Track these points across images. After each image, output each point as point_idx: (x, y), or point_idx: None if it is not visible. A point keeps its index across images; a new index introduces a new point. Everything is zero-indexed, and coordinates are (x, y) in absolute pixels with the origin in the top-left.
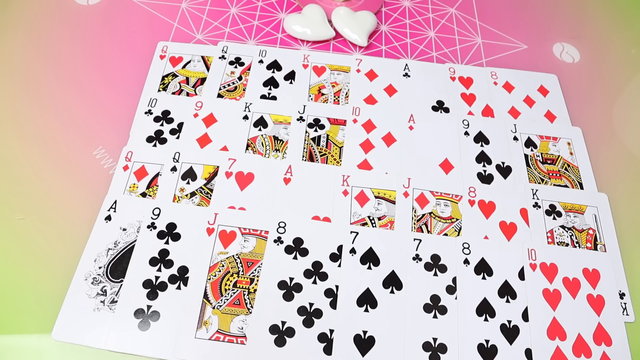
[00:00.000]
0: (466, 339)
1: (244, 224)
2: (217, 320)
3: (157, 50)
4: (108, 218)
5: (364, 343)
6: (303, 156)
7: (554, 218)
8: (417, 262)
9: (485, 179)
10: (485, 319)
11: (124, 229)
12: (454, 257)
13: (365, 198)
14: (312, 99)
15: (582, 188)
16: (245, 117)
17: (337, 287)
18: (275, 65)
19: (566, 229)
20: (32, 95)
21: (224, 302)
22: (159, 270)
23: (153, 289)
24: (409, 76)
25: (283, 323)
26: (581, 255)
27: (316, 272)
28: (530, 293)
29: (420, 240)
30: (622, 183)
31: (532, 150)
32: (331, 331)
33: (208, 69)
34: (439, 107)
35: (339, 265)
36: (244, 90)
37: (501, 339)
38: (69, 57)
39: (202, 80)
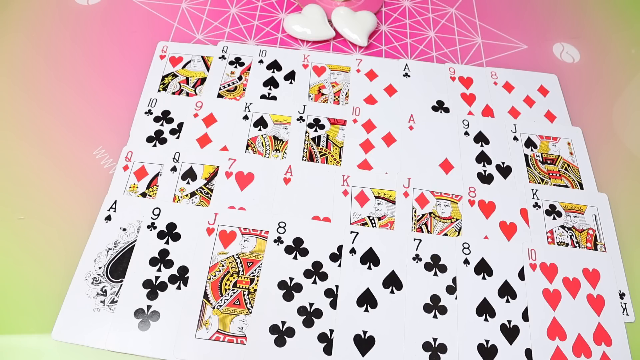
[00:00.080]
0: (466, 339)
1: (244, 224)
2: (217, 320)
3: (157, 50)
4: (108, 218)
5: (364, 343)
6: (303, 156)
7: (554, 218)
8: (417, 262)
9: (485, 179)
10: (485, 319)
11: (124, 229)
12: (454, 257)
13: (365, 198)
14: (312, 99)
15: (582, 188)
16: (245, 117)
17: (337, 287)
18: (275, 65)
19: (566, 229)
20: (32, 95)
21: (224, 302)
22: (159, 270)
23: (153, 289)
24: (409, 76)
25: (283, 323)
26: (581, 255)
27: (316, 272)
28: (530, 293)
29: (420, 240)
30: (622, 183)
31: (532, 150)
32: (331, 331)
33: (208, 69)
34: (439, 107)
35: (339, 265)
36: (244, 90)
37: (501, 339)
38: (69, 57)
39: (202, 80)
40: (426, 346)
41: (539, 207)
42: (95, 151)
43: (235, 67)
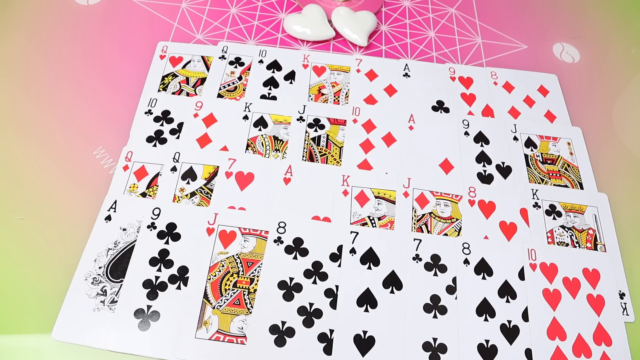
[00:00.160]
0: (466, 339)
1: (244, 224)
2: (217, 320)
3: (157, 50)
4: (108, 218)
5: (364, 343)
6: (303, 156)
7: (554, 218)
8: (417, 262)
9: (485, 179)
10: (485, 319)
11: (124, 229)
12: (454, 257)
13: (365, 198)
14: (312, 99)
15: (582, 188)
16: (245, 117)
17: (337, 287)
18: (275, 65)
19: (566, 229)
20: (32, 95)
21: (224, 302)
22: (159, 270)
23: (153, 289)
24: (409, 76)
25: (283, 323)
26: (581, 255)
27: (316, 272)
28: (530, 293)
29: (420, 240)
30: (622, 183)
31: (532, 150)
32: (331, 331)
33: (208, 69)
34: (439, 107)
35: (339, 265)
36: (244, 90)
37: (501, 339)
38: (69, 57)
39: (202, 80)
40: (426, 346)
41: (539, 207)
42: (95, 151)
43: (235, 67)
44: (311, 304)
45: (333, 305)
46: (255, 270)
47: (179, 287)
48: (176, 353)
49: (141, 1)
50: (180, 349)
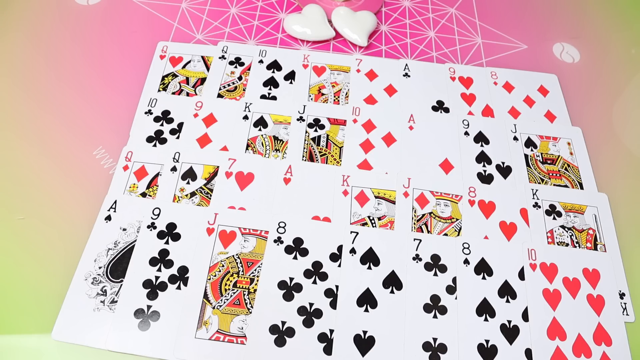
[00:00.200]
0: (466, 339)
1: (244, 224)
2: (217, 320)
3: (157, 50)
4: (108, 218)
5: (364, 343)
6: (303, 156)
7: (554, 218)
8: (417, 262)
9: (485, 179)
10: (485, 319)
11: (124, 229)
12: (454, 257)
13: (365, 198)
14: (312, 99)
15: (582, 188)
16: (245, 117)
17: (337, 287)
18: (275, 65)
19: (566, 229)
20: (32, 95)
21: (224, 302)
22: (159, 270)
23: (153, 289)
24: (409, 76)
25: (283, 323)
26: (581, 255)
27: (316, 272)
28: (530, 293)
29: (420, 240)
30: (622, 183)
31: (532, 150)
32: (331, 331)
33: (208, 69)
34: (439, 107)
35: (339, 265)
36: (244, 90)
37: (501, 339)
38: (69, 57)
39: (202, 80)
40: (426, 346)
41: (539, 207)
42: (95, 151)
43: (235, 67)
44: (311, 304)
45: (333, 305)
46: (255, 270)
47: (179, 287)
48: (176, 353)
49: (141, 1)
50: (180, 349)
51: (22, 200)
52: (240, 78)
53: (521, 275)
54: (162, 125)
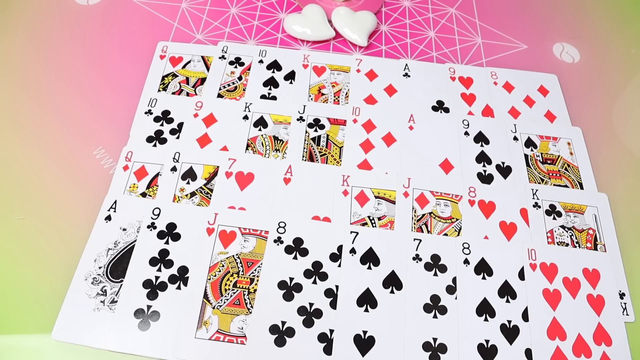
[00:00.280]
0: (466, 339)
1: (244, 224)
2: (217, 320)
3: (157, 50)
4: (108, 218)
5: (364, 343)
6: (303, 156)
7: (554, 218)
8: (417, 262)
9: (485, 179)
10: (485, 319)
11: (124, 229)
12: (454, 257)
13: (365, 198)
14: (312, 99)
15: (582, 188)
16: (245, 117)
17: (337, 287)
18: (275, 65)
19: (566, 229)
20: (32, 95)
21: (224, 302)
22: (159, 270)
23: (153, 289)
24: (409, 76)
25: (283, 323)
26: (581, 255)
27: (316, 272)
28: (530, 293)
29: (420, 240)
30: (622, 183)
31: (532, 150)
32: (331, 331)
33: (208, 69)
34: (439, 107)
35: (339, 265)
36: (244, 90)
37: (501, 339)
38: (69, 57)
39: (202, 80)
40: (426, 346)
41: (539, 207)
42: (95, 151)
43: (235, 67)
44: (311, 304)
45: (333, 305)
46: (255, 270)
47: (179, 287)
48: (176, 353)
49: (141, 1)
50: (180, 349)
51: (22, 200)
52: (240, 78)
53: (521, 275)
54: (162, 125)
